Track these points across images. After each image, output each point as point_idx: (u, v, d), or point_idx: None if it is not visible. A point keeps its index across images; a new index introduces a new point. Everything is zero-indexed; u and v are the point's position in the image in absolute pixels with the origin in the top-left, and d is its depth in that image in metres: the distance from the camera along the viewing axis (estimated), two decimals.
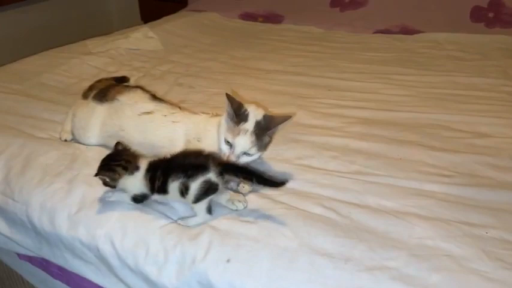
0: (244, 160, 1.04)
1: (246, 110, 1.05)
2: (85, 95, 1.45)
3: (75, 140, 1.28)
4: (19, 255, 1.19)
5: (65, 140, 1.28)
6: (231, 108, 1.03)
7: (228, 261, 0.87)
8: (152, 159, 1.02)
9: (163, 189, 0.96)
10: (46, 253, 1.07)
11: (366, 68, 1.86)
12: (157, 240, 0.93)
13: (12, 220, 1.08)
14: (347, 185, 1.07)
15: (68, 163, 1.15)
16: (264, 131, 1.04)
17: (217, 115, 1.14)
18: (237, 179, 1.04)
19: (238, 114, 1.03)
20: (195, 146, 1.09)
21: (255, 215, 0.97)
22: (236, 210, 0.99)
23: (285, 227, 0.92)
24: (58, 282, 1.16)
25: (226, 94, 1.05)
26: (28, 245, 1.08)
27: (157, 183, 0.97)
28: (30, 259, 1.18)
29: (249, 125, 1.03)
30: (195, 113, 1.20)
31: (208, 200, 0.95)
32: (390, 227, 0.93)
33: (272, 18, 2.70)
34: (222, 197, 1.00)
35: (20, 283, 1.39)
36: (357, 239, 0.90)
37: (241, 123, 1.03)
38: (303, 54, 2.05)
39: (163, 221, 0.97)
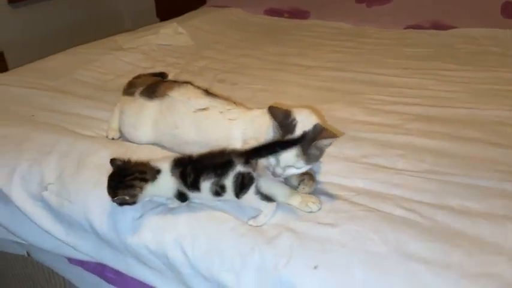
0: (291, 172, 0.94)
1: (293, 120, 0.93)
2: (125, 92, 1.40)
3: (123, 138, 1.22)
4: (70, 260, 1.13)
5: (112, 138, 1.22)
6: (275, 122, 0.93)
7: (315, 267, 0.81)
8: (173, 156, 0.95)
9: (196, 186, 0.90)
10: (105, 257, 1.01)
11: (407, 64, 1.81)
12: (231, 244, 0.87)
13: (68, 223, 1.02)
14: (422, 185, 1.01)
15: None
16: (312, 142, 0.91)
17: None
18: (271, 158, 0.94)
19: (283, 126, 0.93)
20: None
21: (333, 218, 0.90)
22: (310, 212, 0.93)
23: (370, 231, 0.86)
24: None
25: (269, 108, 0.94)
26: (86, 249, 1.02)
27: (189, 180, 0.91)
28: (82, 264, 1.12)
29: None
30: (250, 108, 1.14)
31: (254, 190, 0.90)
32: (481, 230, 0.87)
33: (298, 14, 2.65)
34: (293, 200, 0.94)
35: None
36: (450, 244, 0.84)
37: (287, 136, 0.92)
38: (339, 50, 2.00)
39: (233, 223, 0.91)
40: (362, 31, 2.33)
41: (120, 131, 1.23)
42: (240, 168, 0.90)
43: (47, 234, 1.06)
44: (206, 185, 0.90)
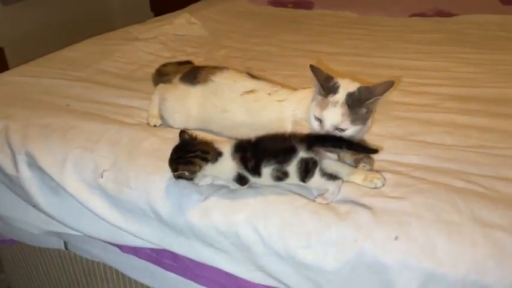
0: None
1: (336, 83, 0.96)
2: (157, 80, 1.41)
3: (165, 125, 1.21)
4: (122, 248, 1.11)
5: (154, 126, 1.20)
6: (316, 81, 0.95)
7: (396, 238, 0.82)
8: (234, 141, 0.95)
9: (257, 172, 0.91)
10: (168, 243, 0.99)
11: (424, 49, 1.84)
12: (305, 221, 0.88)
13: (128, 210, 1.00)
14: (475, 158, 1.04)
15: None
16: (360, 102, 0.93)
17: None
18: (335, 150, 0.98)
19: (325, 87, 0.95)
20: (303, 127, 1.04)
21: (400, 192, 0.92)
22: (375, 188, 0.94)
23: (441, 202, 0.88)
24: (171, 275, 1.08)
25: (311, 66, 0.95)
26: (147, 235, 1.00)
27: (249, 165, 0.91)
28: (136, 252, 1.10)
29: (339, 96, 0.93)
30: (296, 89, 1.14)
31: (319, 173, 0.90)
32: None
33: (302, 4, 2.66)
34: (356, 177, 0.95)
35: (103, 280, 1.31)
36: None
37: (330, 95, 0.94)
38: (353, 37, 2.02)
39: (303, 201, 0.91)
40: (369, 19, 2.36)
41: (162, 118, 1.22)
42: (302, 154, 0.90)
43: (102, 222, 1.04)
44: (267, 170, 0.91)
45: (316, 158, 0.91)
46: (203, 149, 0.92)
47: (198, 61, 1.66)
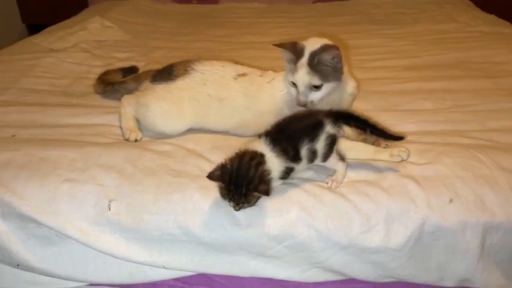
0: (315, 97, 0.98)
1: (301, 46, 0.99)
2: (101, 91, 1.28)
3: (149, 136, 1.06)
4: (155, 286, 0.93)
5: (135, 140, 1.04)
6: (286, 51, 0.98)
7: (451, 201, 0.85)
8: (260, 138, 0.88)
9: (298, 157, 0.87)
10: (206, 266, 0.86)
11: (350, 29, 1.95)
12: (355, 207, 0.85)
13: (152, 239, 0.84)
14: (461, 117, 1.13)
15: (179, 159, 0.95)
16: (324, 59, 0.96)
17: None
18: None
19: (295, 52, 0.98)
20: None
21: (427, 158, 0.94)
22: (402, 161, 0.95)
23: (467, 159, 0.93)
24: None
25: (274, 44, 1.00)
26: (180, 263, 0.85)
27: (290, 153, 0.86)
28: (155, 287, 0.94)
29: (304, 59, 0.97)
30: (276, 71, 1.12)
31: (335, 151, 0.90)
32: None
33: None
34: (381, 154, 0.93)
35: None
36: None
37: (299, 60, 0.97)
38: (280, 25, 2.05)
39: (325, 189, 0.88)
40: (279, 8, 2.42)
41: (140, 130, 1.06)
42: (329, 128, 0.88)
43: (113, 264, 0.86)
44: (303, 153, 0.87)
45: (338, 135, 0.90)
46: (250, 155, 0.83)
47: (141, 66, 1.48)
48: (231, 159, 0.83)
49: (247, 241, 0.84)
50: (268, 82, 1.07)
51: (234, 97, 1.04)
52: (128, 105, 1.10)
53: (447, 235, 0.84)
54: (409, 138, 1.04)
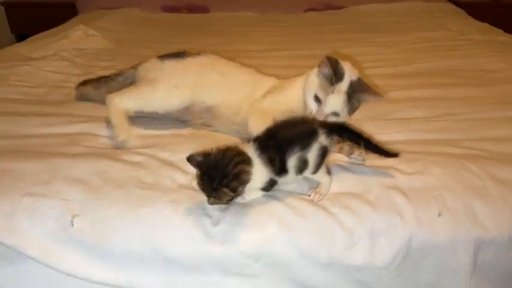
0: (329, 119, 0.95)
1: (342, 69, 0.97)
2: (79, 95, 1.26)
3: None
4: None
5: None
6: (330, 69, 0.95)
7: (439, 214, 0.79)
8: (252, 141, 0.83)
9: (284, 169, 0.81)
10: (180, 287, 0.80)
11: (341, 37, 1.92)
12: (338, 221, 0.79)
13: (118, 257, 0.77)
14: (451, 126, 1.09)
15: (151, 171, 0.89)
16: (356, 93, 0.97)
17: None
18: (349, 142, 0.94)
19: (337, 74, 0.95)
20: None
21: (415, 167, 0.89)
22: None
23: (457, 169, 0.88)
24: None
25: (326, 56, 0.97)
26: (148, 284, 0.79)
27: (276, 164, 0.81)
28: None
29: (344, 85, 0.96)
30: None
31: (325, 163, 0.85)
32: None
33: (197, 9, 2.58)
34: None
35: None
36: None
37: (337, 82, 0.95)
38: (272, 34, 2.03)
39: (306, 202, 0.82)
40: (271, 17, 2.39)
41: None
42: (322, 139, 0.83)
43: (81, 284, 0.80)
44: (292, 162, 0.81)
45: (330, 147, 0.85)
46: (236, 152, 0.78)
47: None
48: (218, 150, 0.78)
49: (222, 259, 0.77)
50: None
51: (236, 73, 1.13)
52: (120, 99, 1.05)
53: (437, 251, 0.78)
54: (397, 147, 0.98)
